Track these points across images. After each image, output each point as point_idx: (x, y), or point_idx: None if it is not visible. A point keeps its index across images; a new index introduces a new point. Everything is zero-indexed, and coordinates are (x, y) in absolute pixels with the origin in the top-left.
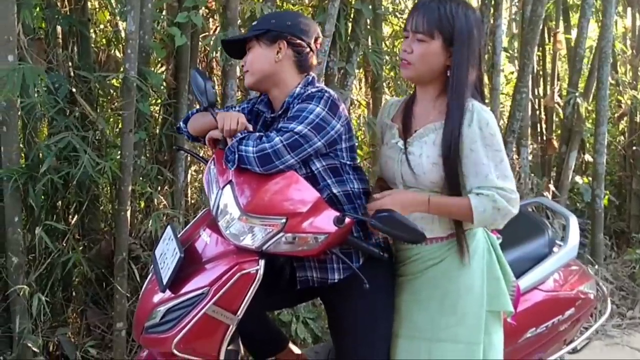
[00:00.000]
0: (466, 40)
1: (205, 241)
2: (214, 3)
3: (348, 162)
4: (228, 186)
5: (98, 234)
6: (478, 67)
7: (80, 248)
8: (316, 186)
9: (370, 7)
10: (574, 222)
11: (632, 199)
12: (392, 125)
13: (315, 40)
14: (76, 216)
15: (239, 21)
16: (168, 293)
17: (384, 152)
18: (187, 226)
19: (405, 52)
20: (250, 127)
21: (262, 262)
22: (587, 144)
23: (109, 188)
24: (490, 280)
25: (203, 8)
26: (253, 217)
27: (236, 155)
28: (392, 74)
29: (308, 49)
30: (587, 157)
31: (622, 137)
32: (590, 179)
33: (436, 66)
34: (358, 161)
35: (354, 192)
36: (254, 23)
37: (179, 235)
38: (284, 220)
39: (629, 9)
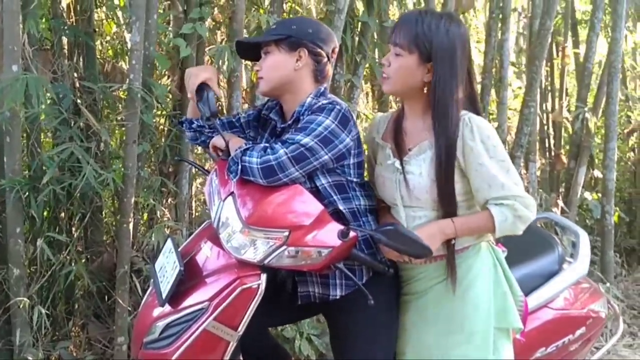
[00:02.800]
0: (447, 57)
1: (206, 254)
2: (220, 15)
3: (355, 179)
4: (230, 198)
5: (100, 247)
6: (469, 83)
7: (83, 260)
8: (321, 202)
9: (376, 20)
10: (584, 239)
11: None
12: (385, 144)
13: (333, 50)
14: (79, 228)
15: (245, 33)
16: (167, 307)
17: (380, 172)
18: (189, 239)
19: (384, 66)
20: (217, 88)
21: (263, 277)
22: (597, 160)
23: (111, 200)
24: (498, 296)
25: (209, 20)
26: (255, 230)
27: (239, 166)
28: None
29: (326, 59)
30: (597, 173)
31: (632, 153)
32: (599, 195)
33: (412, 81)
34: (365, 177)
35: (359, 209)
36: (272, 26)
37: (179, 248)
38: (286, 233)
39: (638, 24)
